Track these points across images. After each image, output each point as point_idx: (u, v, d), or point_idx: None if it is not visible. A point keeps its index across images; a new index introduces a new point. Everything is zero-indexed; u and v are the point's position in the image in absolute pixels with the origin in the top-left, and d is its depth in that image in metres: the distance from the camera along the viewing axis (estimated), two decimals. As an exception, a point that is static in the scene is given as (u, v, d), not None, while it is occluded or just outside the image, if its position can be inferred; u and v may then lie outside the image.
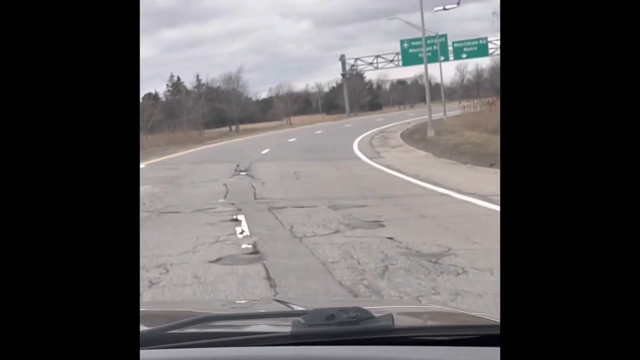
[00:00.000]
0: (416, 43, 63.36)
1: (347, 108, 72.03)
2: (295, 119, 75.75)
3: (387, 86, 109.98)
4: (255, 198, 10.98)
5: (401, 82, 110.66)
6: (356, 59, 72.31)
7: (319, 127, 49.32)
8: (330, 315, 1.20)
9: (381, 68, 71.09)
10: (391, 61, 69.31)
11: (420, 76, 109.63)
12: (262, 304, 2.43)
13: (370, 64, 71.21)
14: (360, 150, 21.25)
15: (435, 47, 61.91)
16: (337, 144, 25.56)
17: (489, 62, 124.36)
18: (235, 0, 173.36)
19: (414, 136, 27.09)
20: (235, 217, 8.98)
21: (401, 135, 29.45)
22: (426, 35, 52.72)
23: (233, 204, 10.26)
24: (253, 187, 12.32)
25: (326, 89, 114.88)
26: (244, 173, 15.61)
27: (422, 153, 18.99)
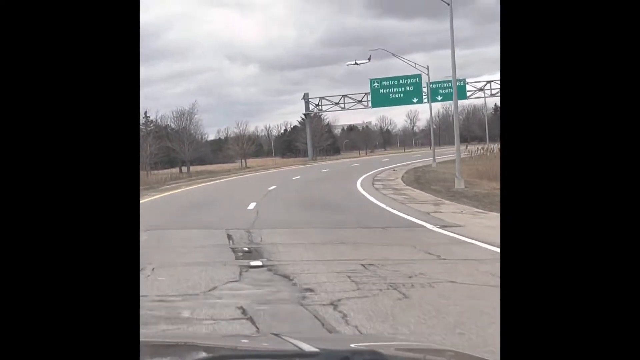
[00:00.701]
0: (386, 83, 58.48)
1: (310, 151, 65.40)
2: (250, 162, 69.98)
3: (338, 131, 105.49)
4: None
5: (351, 128, 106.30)
6: (321, 98, 66.16)
7: (288, 171, 42.95)
8: (344, 357, 1.15)
9: (349, 109, 65.20)
10: (359, 101, 63.57)
11: (369, 122, 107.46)
12: (266, 340, 2.14)
13: (337, 103, 65.25)
14: (400, 210, 14.52)
15: (409, 88, 56.91)
16: (346, 197, 18.83)
17: (440, 108, 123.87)
18: (185, 42, 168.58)
19: (436, 187, 20.72)
20: None
21: (416, 185, 22.95)
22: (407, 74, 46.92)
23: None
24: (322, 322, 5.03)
25: (275, 132, 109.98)
26: (255, 262, 7.83)
27: (493, 214, 12.35)
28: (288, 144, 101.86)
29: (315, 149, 72.07)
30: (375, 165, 44.51)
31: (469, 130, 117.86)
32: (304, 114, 67.73)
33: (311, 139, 66.39)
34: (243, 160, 72.42)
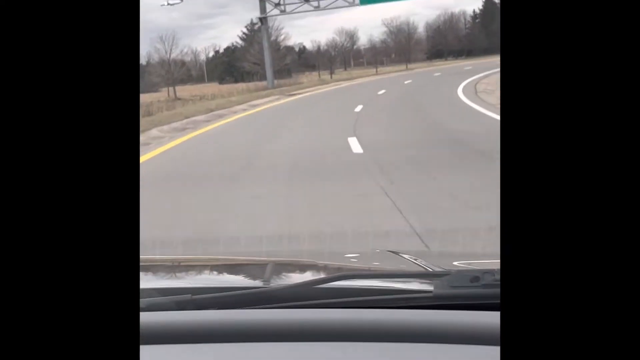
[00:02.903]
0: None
1: (270, 73, 44.23)
2: (180, 90, 49.57)
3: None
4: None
5: (302, 49, 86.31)
6: (283, -5, 44.94)
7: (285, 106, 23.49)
8: (474, 277, 1.15)
9: (326, 8, 44.41)
10: (341, -3, 42.75)
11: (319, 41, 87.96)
12: (382, 256, 2.12)
13: (307, 1, 44.33)
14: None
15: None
16: None
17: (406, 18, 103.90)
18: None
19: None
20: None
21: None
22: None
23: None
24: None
25: (203, 57, 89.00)
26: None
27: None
28: (227, 67, 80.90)
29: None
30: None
31: (445, 43, 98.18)
32: (259, 18, 46.22)
33: (271, 57, 45.25)
34: (171, 89, 52.12)
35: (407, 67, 73.93)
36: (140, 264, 1.47)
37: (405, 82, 33.84)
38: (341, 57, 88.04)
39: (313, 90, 34.18)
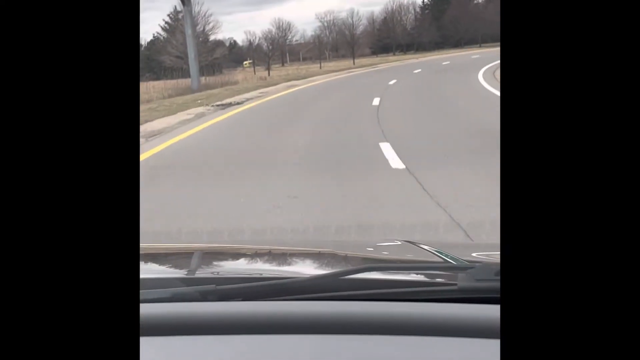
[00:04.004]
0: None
1: (194, 69, 33.50)
2: None
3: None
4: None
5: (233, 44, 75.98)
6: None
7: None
8: (499, 270, 1.10)
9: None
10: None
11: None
12: (403, 248, 2.01)
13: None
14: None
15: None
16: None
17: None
18: None
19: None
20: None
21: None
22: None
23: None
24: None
25: None
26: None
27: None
28: (147, 61, 69.80)
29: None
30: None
31: (394, 37, 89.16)
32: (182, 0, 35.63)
33: (195, 48, 34.67)
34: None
35: (354, 62, 64.27)
36: (164, 252, 1.72)
37: (390, 83, 23.99)
38: (278, 51, 77.87)
39: (259, 97, 22.24)
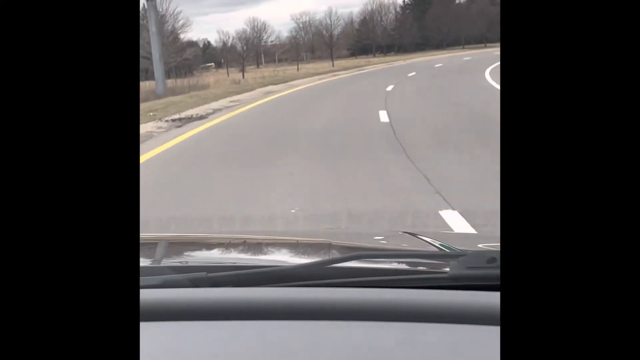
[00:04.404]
0: None
1: (160, 73, 29.27)
2: None
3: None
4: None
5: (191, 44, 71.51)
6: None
7: None
8: (491, 258, 1.14)
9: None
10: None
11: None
12: (401, 239, 2.05)
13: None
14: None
15: None
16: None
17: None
18: None
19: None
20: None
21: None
22: None
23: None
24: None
25: None
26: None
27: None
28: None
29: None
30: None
31: (374, 38, 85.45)
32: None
33: (160, 47, 30.53)
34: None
35: (333, 64, 60.26)
36: (155, 241, 1.69)
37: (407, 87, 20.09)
38: (253, 52, 73.70)
39: (230, 107, 17.56)
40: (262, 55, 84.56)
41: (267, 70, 57.28)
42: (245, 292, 1.11)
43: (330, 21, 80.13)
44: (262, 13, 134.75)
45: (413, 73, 29.28)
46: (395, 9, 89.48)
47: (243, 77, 44.20)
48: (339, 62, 62.54)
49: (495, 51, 61.63)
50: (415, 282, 1.16)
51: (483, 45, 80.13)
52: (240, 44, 68.00)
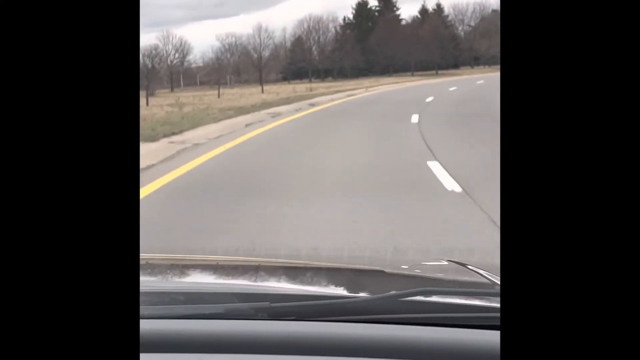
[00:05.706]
0: None
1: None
2: None
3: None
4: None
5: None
6: None
7: None
8: None
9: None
10: None
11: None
12: (448, 268, 1.96)
13: None
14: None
15: None
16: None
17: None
18: None
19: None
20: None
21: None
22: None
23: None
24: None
25: None
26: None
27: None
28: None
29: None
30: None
31: (308, 60, 74.27)
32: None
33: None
34: None
35: (262, 90, 48.57)
36: (219, 264, 1.76)
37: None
38: (167, 74, 61.43)
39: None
40: (182, 77, 72.58)
41: (182, 95, 44.96)
42: (309, 327, 1.10)
43: (260, 39, 68.98)
44: (188, 32, 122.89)
45: (378, 107, 17.91)
46: (335, 28, 78.71)
47: (147, 103, 31.80)
48: (269, 87, 50.77)
49: (453, 77, 51.41)
50: (482, 320, 1.13)
51: (434, 72, 70.40)
52: (149, 62, 55.53)
